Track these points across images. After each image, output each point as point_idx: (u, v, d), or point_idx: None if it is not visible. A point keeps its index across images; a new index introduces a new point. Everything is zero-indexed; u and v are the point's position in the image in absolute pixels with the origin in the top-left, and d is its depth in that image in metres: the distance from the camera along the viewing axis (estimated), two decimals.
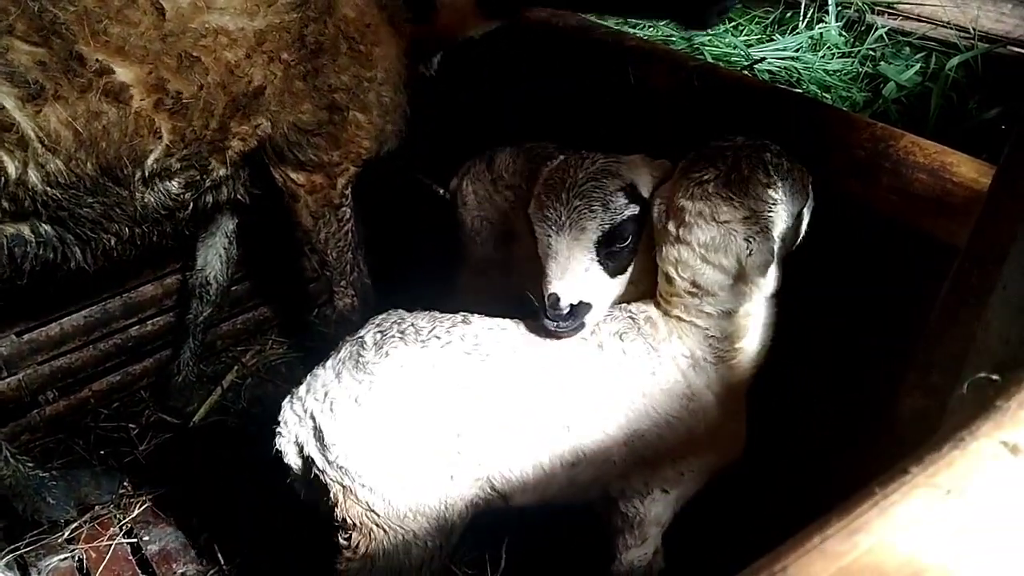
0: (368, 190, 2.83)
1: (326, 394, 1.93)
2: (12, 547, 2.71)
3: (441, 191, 2.92)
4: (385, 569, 1.98)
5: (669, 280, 1.96)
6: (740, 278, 1.88)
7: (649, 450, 2.02)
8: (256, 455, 2.09)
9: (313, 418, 1.92)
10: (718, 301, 1.92)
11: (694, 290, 1.92)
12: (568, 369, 1.99)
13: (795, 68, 2.91)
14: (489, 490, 2.03)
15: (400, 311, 2.10)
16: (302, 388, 1.99)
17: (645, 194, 2.06)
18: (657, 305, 2.06)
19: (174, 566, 2.68)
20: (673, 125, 2.43)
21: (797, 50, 3.02)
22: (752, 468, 2.18)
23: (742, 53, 3.01)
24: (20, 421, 3.05)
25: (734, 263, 1.85)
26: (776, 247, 1.85)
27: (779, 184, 1.84)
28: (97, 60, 1.98)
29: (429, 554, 1.99)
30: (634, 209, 2.02)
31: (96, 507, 2.85)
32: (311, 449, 1.93)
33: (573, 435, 1.98)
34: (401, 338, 1.97)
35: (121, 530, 2.80)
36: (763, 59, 2.93)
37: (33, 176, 2.02)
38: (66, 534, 2.77)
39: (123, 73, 2.03)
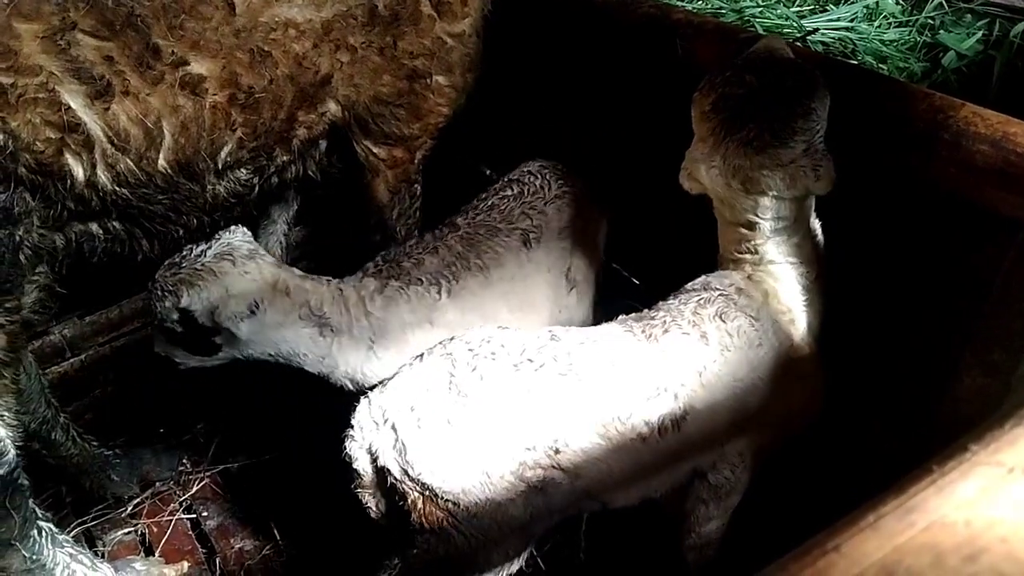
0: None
1: (412, 408, 1.87)
2: (79, 521, 2.81)
3: (488, 172, 2.92)
4: (462, 571, 1.97)
5: (752, 226, 1.97)
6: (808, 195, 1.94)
7: (751, 421, 1.99)
8: (311, 434, 2.13)
9: (395, 429, 1.86)
10: (799, 224, 1.96)
11: (780, 225, 1.95)
12: (673, 368, 1.93)
13: (850, 39, 2.83)
14: (585, 498, 1.98)
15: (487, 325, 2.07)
16: (383, 396, 1.92)
17: None
18: (736, 268, 2.05)
19: (232, 541, 2.76)
20: None
21: (852, 20, 2.93)
22: (806, 446, 2.15)
23: (794, 24, 2.93)
24: (83, 401, 3.15)
25: (803, 190, 1.89)
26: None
27: (814, 104, 1.86)
28: (173, 52, 1.98)
29: (508, 559, 1.98)
30: None
31: (157, 483, 2.94)
32: (388, 459, 1.87)
33: (682, 433, 1.92)
34: (493, 359, 1.91)
35: (181, 506, 2.89)
36: (816, 30, 2.85)
37: (103, 177, 2.01)
38: (129, 509, 2.87)
39: (198, 66, 2.04)
